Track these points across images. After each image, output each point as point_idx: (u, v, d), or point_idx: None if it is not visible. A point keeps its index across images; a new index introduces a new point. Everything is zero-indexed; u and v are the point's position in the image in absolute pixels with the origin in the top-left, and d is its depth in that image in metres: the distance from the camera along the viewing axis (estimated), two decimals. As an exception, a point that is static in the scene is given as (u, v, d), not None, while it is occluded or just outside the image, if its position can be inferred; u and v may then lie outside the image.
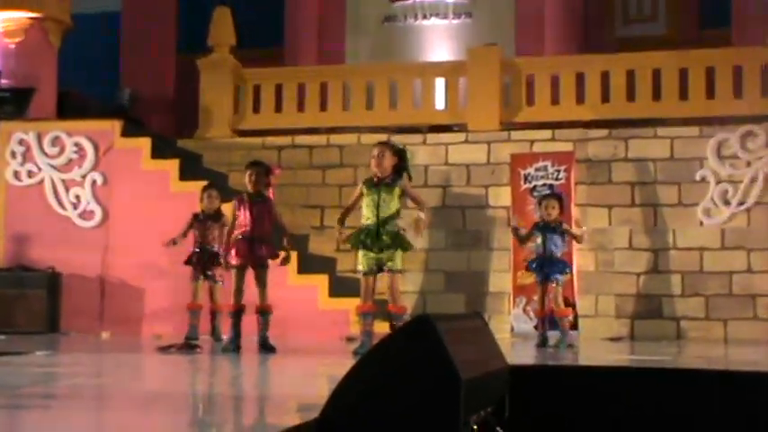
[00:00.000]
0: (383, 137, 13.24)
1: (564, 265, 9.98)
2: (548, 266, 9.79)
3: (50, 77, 13.98)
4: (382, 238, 8.34)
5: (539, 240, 9.88)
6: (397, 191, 8.42)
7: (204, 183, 11.02)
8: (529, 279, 11.35)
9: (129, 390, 5.76)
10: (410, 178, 8.70)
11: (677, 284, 12.33)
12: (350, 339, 10.52)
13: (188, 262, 10.34)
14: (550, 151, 12.62)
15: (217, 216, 10.39)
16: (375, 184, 8.45)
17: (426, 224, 8.58)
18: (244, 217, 8.87)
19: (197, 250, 10.34)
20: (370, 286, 8.45)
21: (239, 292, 8.81)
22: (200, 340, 9.71)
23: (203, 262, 10.30)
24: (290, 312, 10.72)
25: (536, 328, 9.99)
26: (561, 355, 8.81)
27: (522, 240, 10.34)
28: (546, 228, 9.89)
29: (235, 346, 8.71)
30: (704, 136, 12.49)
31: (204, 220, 10.41)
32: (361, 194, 8.52)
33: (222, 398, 5.44)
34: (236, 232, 8.89)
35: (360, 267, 8.51)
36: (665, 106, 13.07)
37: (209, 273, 10.29)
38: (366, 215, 8.45)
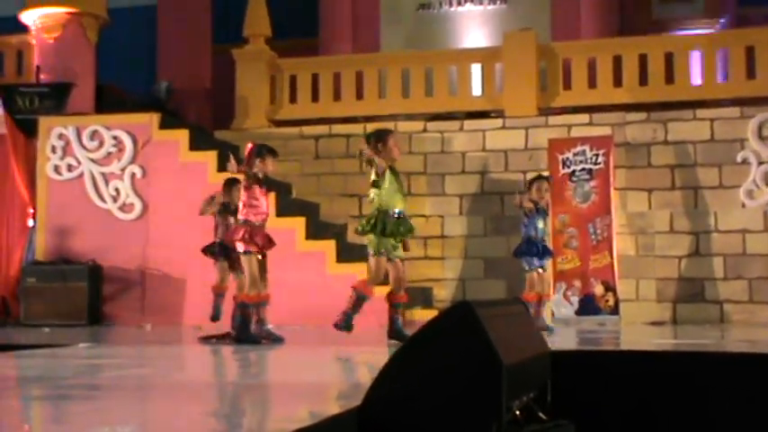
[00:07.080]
0: (420, 124, 13.32)
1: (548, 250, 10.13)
2: (543, 251, 9.93)
3: (88, 72, 14.07)
4: (408, 226, 8.39)
5: (540, 224, 9.92)
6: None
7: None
8: (568, 264, 11.40)
9: (171, 380, 5.78)
10: None
11: (719, 267, 12.22)
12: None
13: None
14: (588, 135, 12.54)
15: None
16: (395, 172, 8.46)
17: None
18: (262, 203, 8.66)
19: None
20: (382, 268, 8.39)
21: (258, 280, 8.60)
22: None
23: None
24: (330, 301, 10.72)
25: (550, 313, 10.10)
26: (603, 340, 8.78)
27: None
28: (541, 212, 9.98)
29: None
30: (745, 117, 12.36)
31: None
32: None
33: (263, 387, 5.45)
34: (254, 218, 8.59)
35: (381, 249, 8.41)
36: (704, 88, 12.95)
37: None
38: (397, 203, 8.38)
